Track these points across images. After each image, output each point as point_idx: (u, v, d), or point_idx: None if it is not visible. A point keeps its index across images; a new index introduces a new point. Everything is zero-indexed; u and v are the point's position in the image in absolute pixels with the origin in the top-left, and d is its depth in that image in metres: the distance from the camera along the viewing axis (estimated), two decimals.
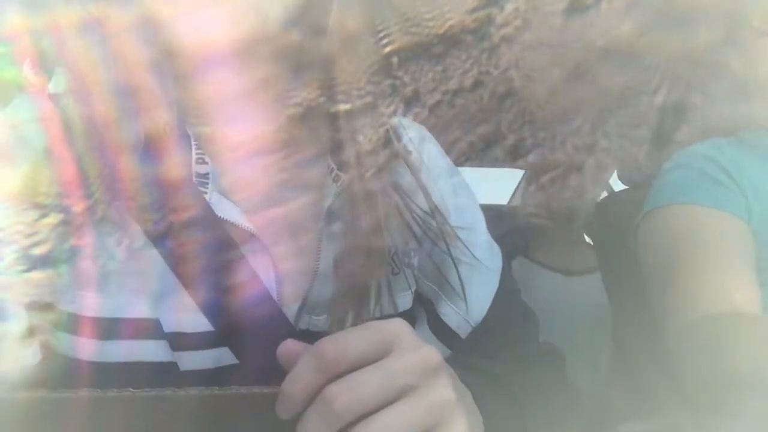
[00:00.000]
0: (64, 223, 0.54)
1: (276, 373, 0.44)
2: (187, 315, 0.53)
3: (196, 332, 0.53)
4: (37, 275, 0.51)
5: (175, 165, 0.53)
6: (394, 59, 0.69)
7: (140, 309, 0.53)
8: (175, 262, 0.53)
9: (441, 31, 0.83)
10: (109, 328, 0.52)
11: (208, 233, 0.53)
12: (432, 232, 0.62)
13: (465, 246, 0.63)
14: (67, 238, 0.53)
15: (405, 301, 0.63)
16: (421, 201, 0.62)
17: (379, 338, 0.39)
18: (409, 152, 0.63)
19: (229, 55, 0.54)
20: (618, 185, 1.50)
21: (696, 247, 0.80)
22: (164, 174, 0.52)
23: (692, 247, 0.81)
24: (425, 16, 0.81)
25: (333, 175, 0.58)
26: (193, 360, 0.53)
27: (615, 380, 1.14)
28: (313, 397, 0.38)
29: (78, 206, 0.55)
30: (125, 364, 0.52)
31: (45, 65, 0.59)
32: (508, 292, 0.67)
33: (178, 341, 0.53)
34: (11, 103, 0.57)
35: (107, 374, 0.52)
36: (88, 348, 0.52)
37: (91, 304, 0.52)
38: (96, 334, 0.52)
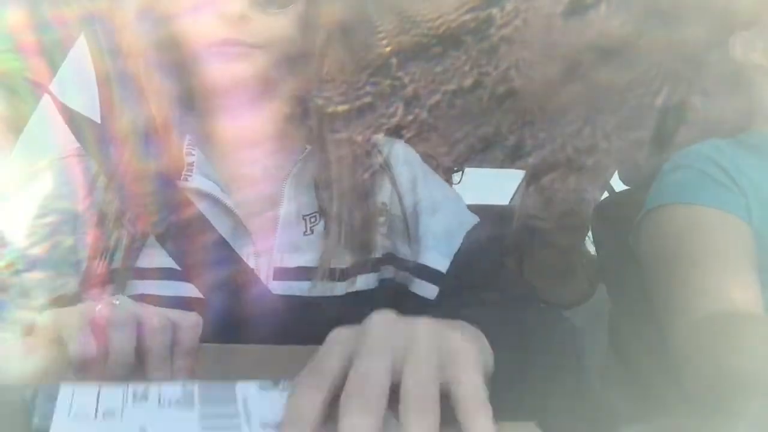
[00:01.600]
0: (64, 223, 0.54)
1: (233, 306, 0.56)
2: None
3: (160, 267, 0.60)
4: (37, 275, 0.51)
5: (168, 151, 0.61)
6: (394, 60, 0.69)
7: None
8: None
9: (441, 31, 0.83)
10: None
11: (177, 200, 0.61)
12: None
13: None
14: (66, 238, 0.53)
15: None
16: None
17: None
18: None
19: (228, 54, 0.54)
20: (619, 185, 1.50)
21: (697, 247, 0.80)
22: (156, 156, 0.61)
23: (693, 247, 0.81)
24: (425, 16, 0.81)
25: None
26: (151, 285, 0.60)
27: (614, 381, 1.13)
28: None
29: (78, 207, 0.55)
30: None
31: (48, 61, 0.60)
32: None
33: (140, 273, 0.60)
34: (13, 98, 0.58)
35: None
36: None
37: None
38: None
